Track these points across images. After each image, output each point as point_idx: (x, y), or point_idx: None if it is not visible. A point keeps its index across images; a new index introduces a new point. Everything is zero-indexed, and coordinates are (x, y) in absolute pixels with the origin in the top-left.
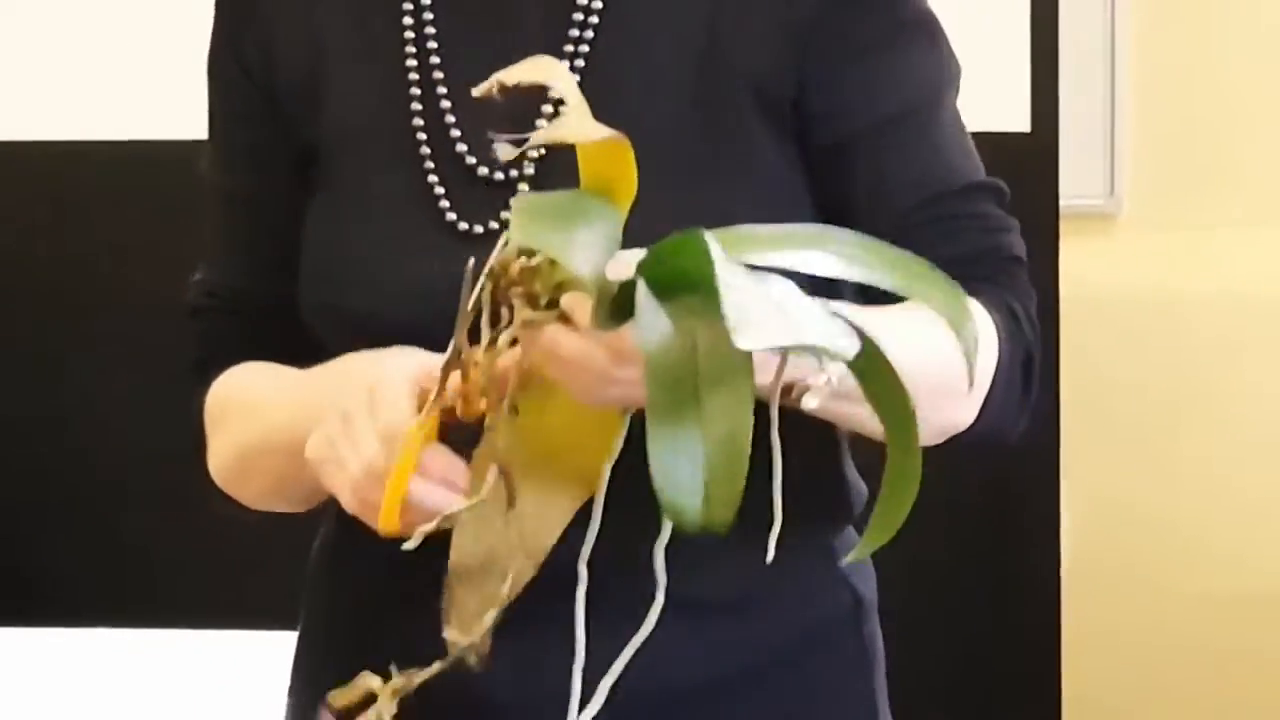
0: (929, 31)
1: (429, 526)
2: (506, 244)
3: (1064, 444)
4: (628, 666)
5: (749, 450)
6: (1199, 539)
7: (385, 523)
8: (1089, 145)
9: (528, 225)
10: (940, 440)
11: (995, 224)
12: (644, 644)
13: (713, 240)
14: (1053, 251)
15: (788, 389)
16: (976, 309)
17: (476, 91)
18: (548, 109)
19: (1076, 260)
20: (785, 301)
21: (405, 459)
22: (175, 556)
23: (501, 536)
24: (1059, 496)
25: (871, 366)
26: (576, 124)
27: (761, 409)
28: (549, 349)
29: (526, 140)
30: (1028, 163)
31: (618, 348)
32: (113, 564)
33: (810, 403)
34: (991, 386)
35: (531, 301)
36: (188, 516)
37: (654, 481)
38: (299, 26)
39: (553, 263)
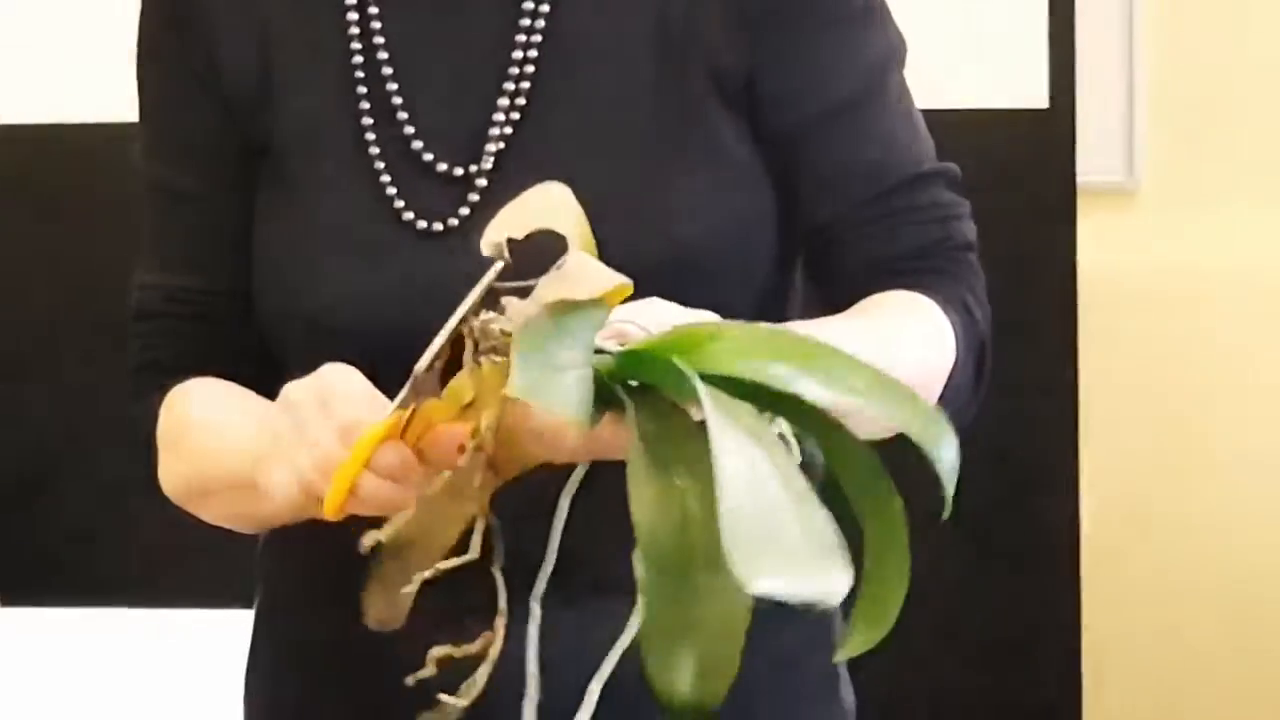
0: (872, 13)
1: (380, 534)
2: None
3: (1082, 415)
4: (604, 649)
5: (746, 628)
6: (1221, 507)
7: (330, 507)
8: (1107, 121)
9: (525, 373)
10: (889, 435)
11: (946, 212)
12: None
13: (702, 386)
14: (1070, 227)
15: None
16: (930, 312)
17: (487, 251)
18: (504, 102)
19: (1094, 237)
20: (780, 509)
21: (361, 449)
22: (172, 541)
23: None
24: (1079, 467)
25: (851, 466)
26: (581, 274)
27: None
28: (534, 428)
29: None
30: (1045, 139)
31: (597, 441)
32: (124, 548)
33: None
34: (946, 385)
35: (500, 351)
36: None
37: (646, 667)
38: (242, 15)
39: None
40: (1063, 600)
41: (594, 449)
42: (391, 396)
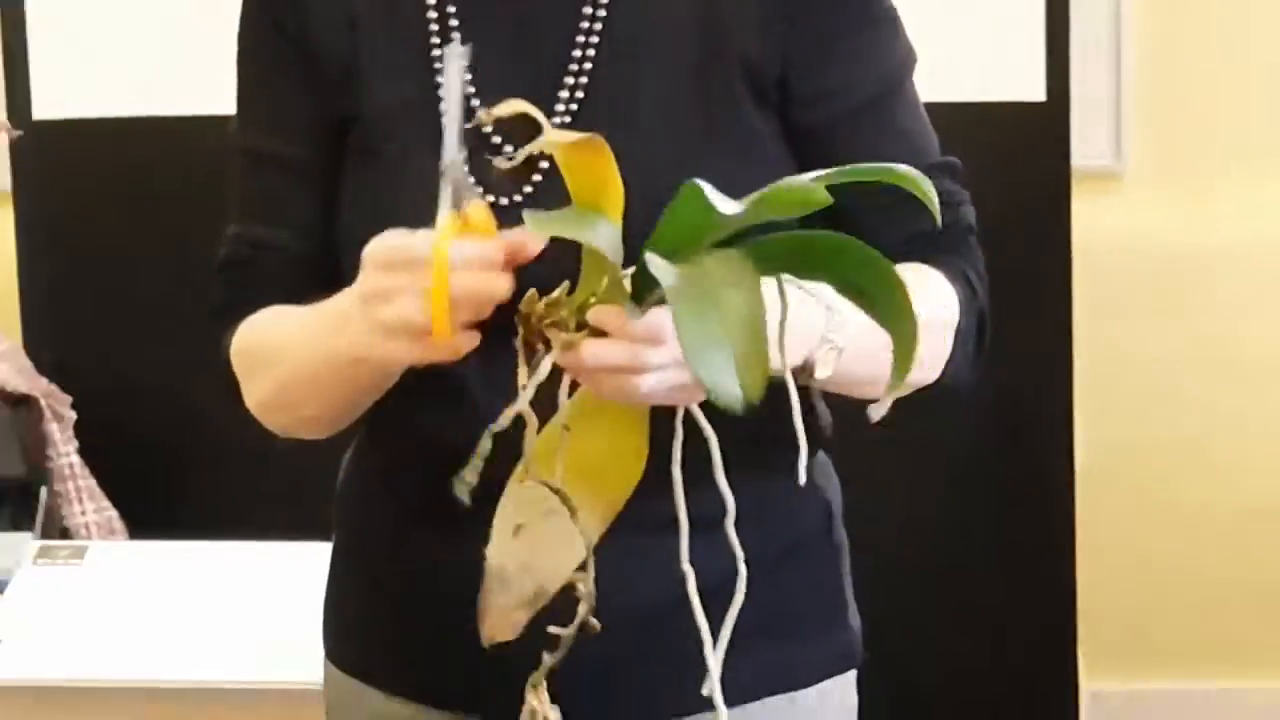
0: (893, 23)
1: (467, 475)
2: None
3: (1077, 368)
4: (646, 577)
5: (767, 332)
6: (1202, 460)
7: (438, 326)
8: (1097, 110)
9: (545, 223)
10: (909, 392)
11: (953, 199)
12: (660, 557)
13: (712, 191)
14: (1065, 207)
15: (805, 368)
16: (939, 284)
17: (477, 118)
18: (564, 94)
19: (1086, 215)
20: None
21: (439, 254)
22: (265, 486)
23: (536, 549)
24: (1073, 426)
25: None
26: (556, 135)
27: None
28: (590, 361)
29: (516, 153)
30: (1042, 129)
31: (646, 330)
32: (225, 491)
33: (823, 374)
34: (953, 350)
35: (562, 328)
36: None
37: (695, 373)
38: (330, 19)
39: (570, 290)
40: (1059, 525)
41: (651, 358)
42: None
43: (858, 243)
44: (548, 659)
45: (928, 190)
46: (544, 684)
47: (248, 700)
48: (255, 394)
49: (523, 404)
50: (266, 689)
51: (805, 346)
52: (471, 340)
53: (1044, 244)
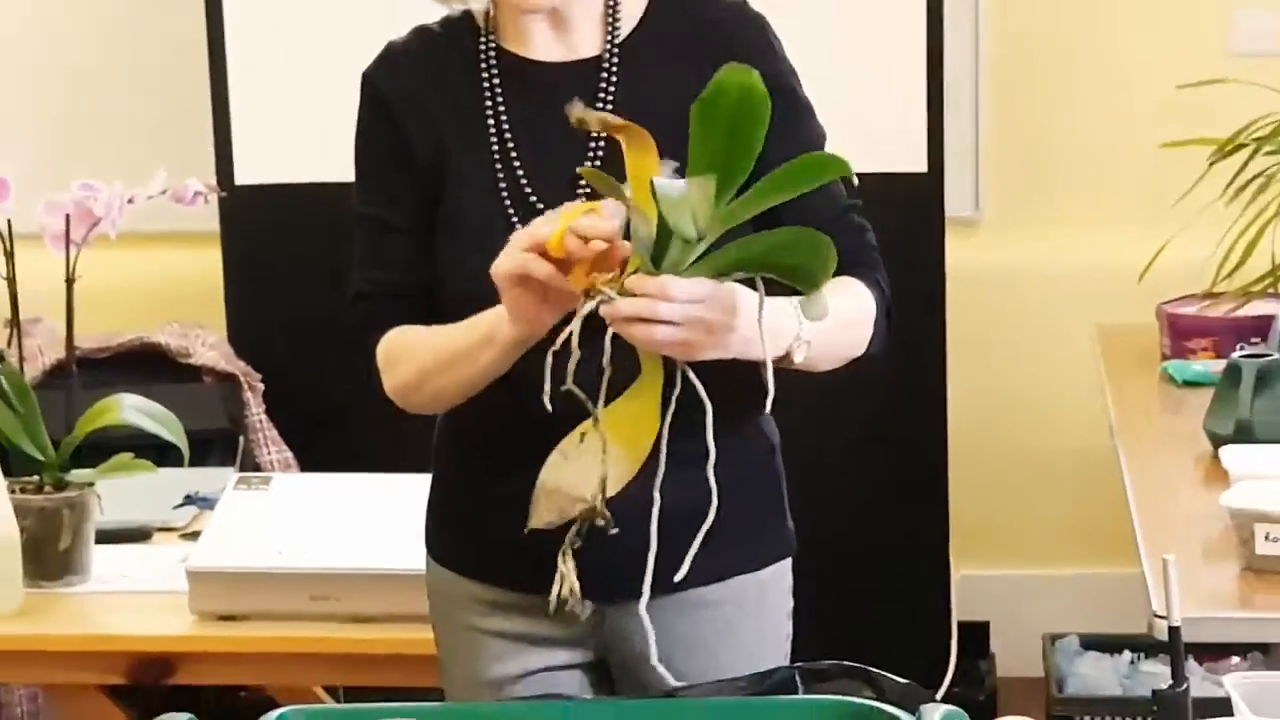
0: (811, 110)
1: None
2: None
3: (949, 362)
4: (662, 492)
5: (714, 194)
6: (1033, 415)
7: (553, 245)
8: (961, 175)
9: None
10: (849, 361)
11: (862, 227)
12: (666, 481)
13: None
14: (940, 247)
15: (785, 356)
16: (861, 289)
17: (573, 114)
18: (592, 159)
19: (954, 251)
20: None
21: (569, 214)
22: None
23: (578, 476)
24: (946, 391)
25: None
26: (609, 117)
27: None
28: (621, 310)
29: (583, 111)
30: (924, 191)
31: (658, 287)
32: (363, 439)
33: (799, 359)
34: (873, 333)
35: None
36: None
37: (664, 218)
38: (422, 122)
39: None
40: (936, 460)
41: (665, 311)
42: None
43: (809, 231)
44: (571, 538)
45: (846, 167)
46: (570, 555)
47: (376, 581)
48: (396, 380)
49: (575, 325)
50: (389, 573)
51: (785, 341)
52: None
53: (926, 272)
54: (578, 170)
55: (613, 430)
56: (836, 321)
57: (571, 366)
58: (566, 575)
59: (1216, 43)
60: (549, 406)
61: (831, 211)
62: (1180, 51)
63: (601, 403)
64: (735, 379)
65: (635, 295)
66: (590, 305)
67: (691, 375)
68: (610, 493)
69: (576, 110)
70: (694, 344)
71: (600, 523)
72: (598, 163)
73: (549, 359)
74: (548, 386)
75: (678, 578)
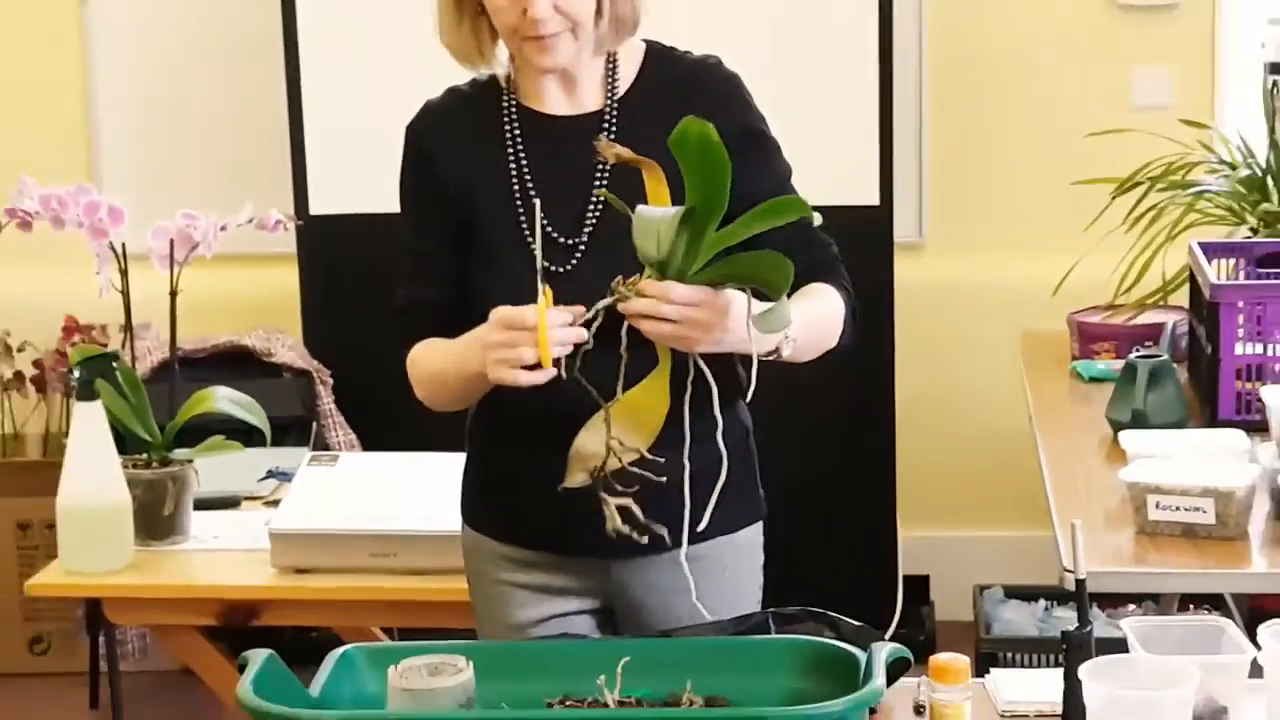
0: (778, 146)
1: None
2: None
3: (896, 359)
4: (666, 463)
5: (676, 225)
6: (965, 400)
7: (544, 357)
8: (909, 207)
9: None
10: (825, 353)
11: (827, 242)
12: (673, 453)
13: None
14: (890, 267)
15: (775, 352)
16: (832, 293)
17: (600, 147)
18: (591, 208)
19: (901, 270)
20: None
21: (541, 317)
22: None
23: (600, 445)
24: (894, 382)
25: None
26: (623, 151)
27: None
28: (633, 308)
29: (608, 144)
30: (876, 221)
31: (660, 290)
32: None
33: (786, 354)
34: (843, 329)
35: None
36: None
37: (639, 248)
38: (454, 165)
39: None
40: (885, 443)
41: (668, 311)
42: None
43: (775, 254)
44: (599, 484)
45: (806, 209)
46: (609, 499)
47: (424, 540)
48: (417, 388)
49: (592, 313)
50: (434, 534)
51: (775, 339)
52: (551, 374)
53: (878, 288)
54: (596, 195)
55: (630, 410)
56: (815, 319)
57: (584, 349)
58: (611, 515)
59: (1121, 98)
60: (577, 378)
61: (803, 226)
62: (1091, 105)
63: (621, 385)
64: (721, 374)
65: (646, 296)
66: (609, 301)
67: (702, 364)
68: (627, 459)
69: (603, 144)
70: (690, 339)
71: (599, 478)
72: (603, 200)
73: (579, 354)
74: (567, 374)
75: (701, 527)
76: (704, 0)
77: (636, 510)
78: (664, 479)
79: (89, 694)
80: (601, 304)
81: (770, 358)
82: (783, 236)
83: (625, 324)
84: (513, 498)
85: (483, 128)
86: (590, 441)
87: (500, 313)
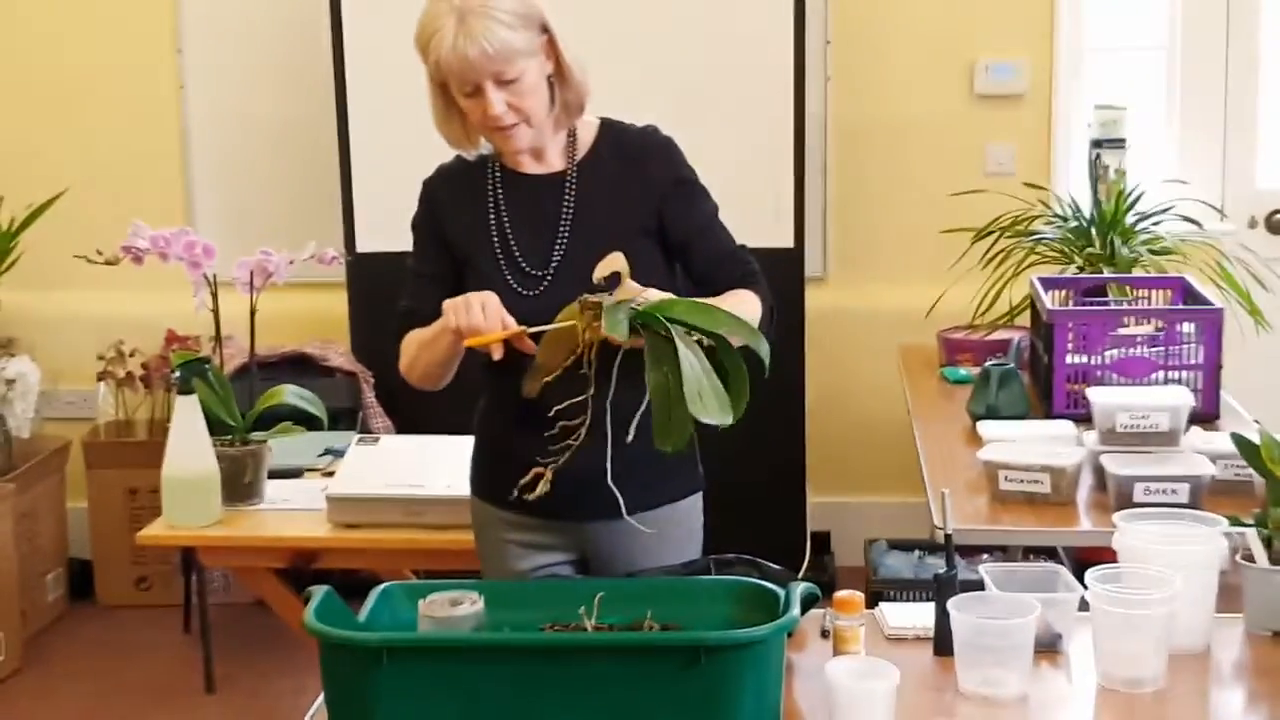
0: (705, 189)
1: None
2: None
3: (807, 363)
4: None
5: (693, 425)
6: (863, 398)
7: (482, 345)
8: (815, 249)
9: (608, 319)
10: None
11: (749, 259)
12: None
13: (669, 324)
14: (802, 295)
15: None
16: (752, 297)
17: (596, 275)
18: (559, 242)
19: (810, 298)
20: (703, 380)
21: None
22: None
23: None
24: (805, 379)
25: (724, 351)
26: (627, 288)
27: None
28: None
29: (613, 279)
30: (791, 259)
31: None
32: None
33: None
34: (761, 323)
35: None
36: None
37: (659, 437)
38: (453, 214)
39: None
40: (797, 433)
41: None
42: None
43: (702, 302)
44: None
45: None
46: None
47: (445, 503)
48: (402, 364)
49: (588, 357)
50: (453, 498)
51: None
52: (498, 352)
53: (793, 312)
54: (560, 236)
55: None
56: (739, 314)
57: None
58: (545, 480)
59: (977, 167)
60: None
61: (728, 249)
62: (955, 172)
63: (614, 381)
64: None
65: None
66: (595, 344)
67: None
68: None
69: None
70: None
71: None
72: (566, 239)
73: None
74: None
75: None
76: (639, 80)
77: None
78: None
79: (183, 621)
80: (591, 351)
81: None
82: (715, 256)
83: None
84: (511, 474)
85: (475, 185)
86: (543, 354)
87: (461, 297)
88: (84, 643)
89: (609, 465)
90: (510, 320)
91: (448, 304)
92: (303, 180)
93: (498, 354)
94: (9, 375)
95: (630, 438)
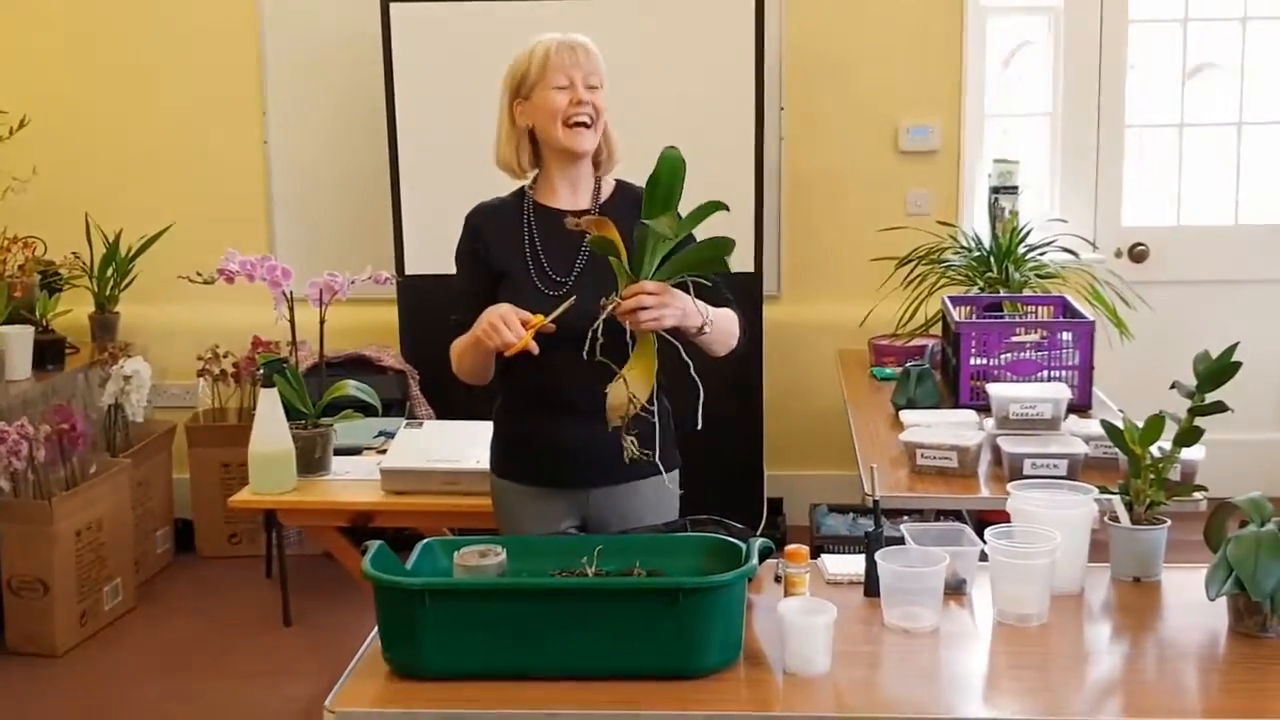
0: (694, 237)
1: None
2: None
3: (764, 368)
4: (654, 409)
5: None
6: (809, 392)
7: (525, 343)
8: (771, 271)
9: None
10: (729, 351)
11: (729, 295)
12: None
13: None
14: (760, 311)
15: (700, 329)
16: (731, 313)
17: (569, 223)
18: (579, 257)
19: (768, 313)
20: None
21: (531, 329)
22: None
23: (619, 399)
24: (763, 379)
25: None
26: (583, 220)
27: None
28: (625, 307)
29: (584, 216)
30: (753, 281)
31: (639, 289)
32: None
33: (708, 330)
34: (739, 334)
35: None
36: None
37: (644, 239)
38: (493, 242)
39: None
40: (755, 424)
41: (648, 301)
42: (541, 361)
43: (708, 239)
44: (624, 425)
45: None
46: (626, 434)
47: (475, 474)
48: (454, 366)
49: (605, 315)
50: (481, 471)
51: (699, 319)
52: (535, 347)
53: (755, 323)
54: (582, 252)
55: (636, 373)
56: (725, 323)
57: (597, 345)
58: (628, 448)
59: (900, 208)
60: (598, 357)
61: (713, 284)
62: (881, 212)
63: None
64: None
65: (629, 299)
66: (608, 310)
67: (668, 336)
68: (642, 398)
69: (569, 220)
70: (661, 316)
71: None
72: (586, 255)
73: (589, 341)
74: (589, 358)
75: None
76: (627, 143)
77: (636, 446)
78: (654, 421)
79: (265, 568)
80: (603, 314)
81: (704, 335)
82: (703, 290)
83: (602, 322)
84: (523, 452)
85: (512, 215)
86: (616, 395)
87: (496, 308)
88: (186, 586)
89: (656, 443)
90: (527, 315)
91: (480, 334)
92: (361, 216)
93: (535, 349)
94: (126, 372)
95: (654, 418)
